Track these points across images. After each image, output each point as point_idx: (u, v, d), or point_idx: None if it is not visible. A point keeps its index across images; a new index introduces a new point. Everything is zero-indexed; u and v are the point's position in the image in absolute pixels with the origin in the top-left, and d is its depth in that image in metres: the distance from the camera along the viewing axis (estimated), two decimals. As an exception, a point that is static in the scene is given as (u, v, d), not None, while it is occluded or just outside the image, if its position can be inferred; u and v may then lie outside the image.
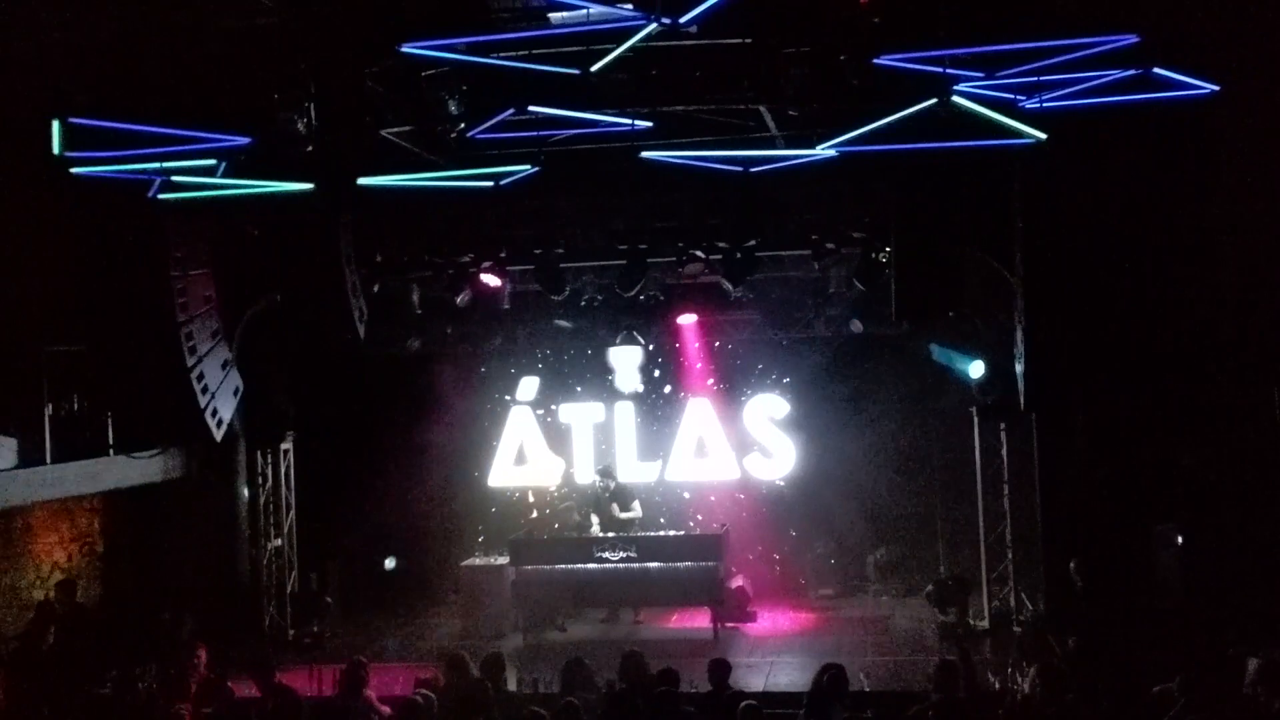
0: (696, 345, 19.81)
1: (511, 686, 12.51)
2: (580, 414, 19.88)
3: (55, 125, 11.87)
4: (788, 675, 14.72)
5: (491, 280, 17.74)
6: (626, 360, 19.65)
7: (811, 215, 16.92)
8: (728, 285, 17.49)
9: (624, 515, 17.77)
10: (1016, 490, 17.03)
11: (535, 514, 19.90)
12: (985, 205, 15.12)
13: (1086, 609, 14.63)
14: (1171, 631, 13.23)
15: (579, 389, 20.09)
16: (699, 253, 17.27)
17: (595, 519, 17.82)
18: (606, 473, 18.29)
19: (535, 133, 12.22)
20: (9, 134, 13.01)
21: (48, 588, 16.11)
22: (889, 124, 11.50)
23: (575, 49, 10.83)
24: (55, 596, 15.26)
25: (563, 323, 19.20)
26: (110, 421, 16.08)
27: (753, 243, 16.96)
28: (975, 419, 17.25)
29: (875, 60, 10.72)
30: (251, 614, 17.68)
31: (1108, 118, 11.73)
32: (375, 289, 17.55)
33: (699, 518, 19.53)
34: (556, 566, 17.24)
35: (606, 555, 17.06)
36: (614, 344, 19.36)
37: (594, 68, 10.65)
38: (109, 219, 14.61)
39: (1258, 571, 14.15)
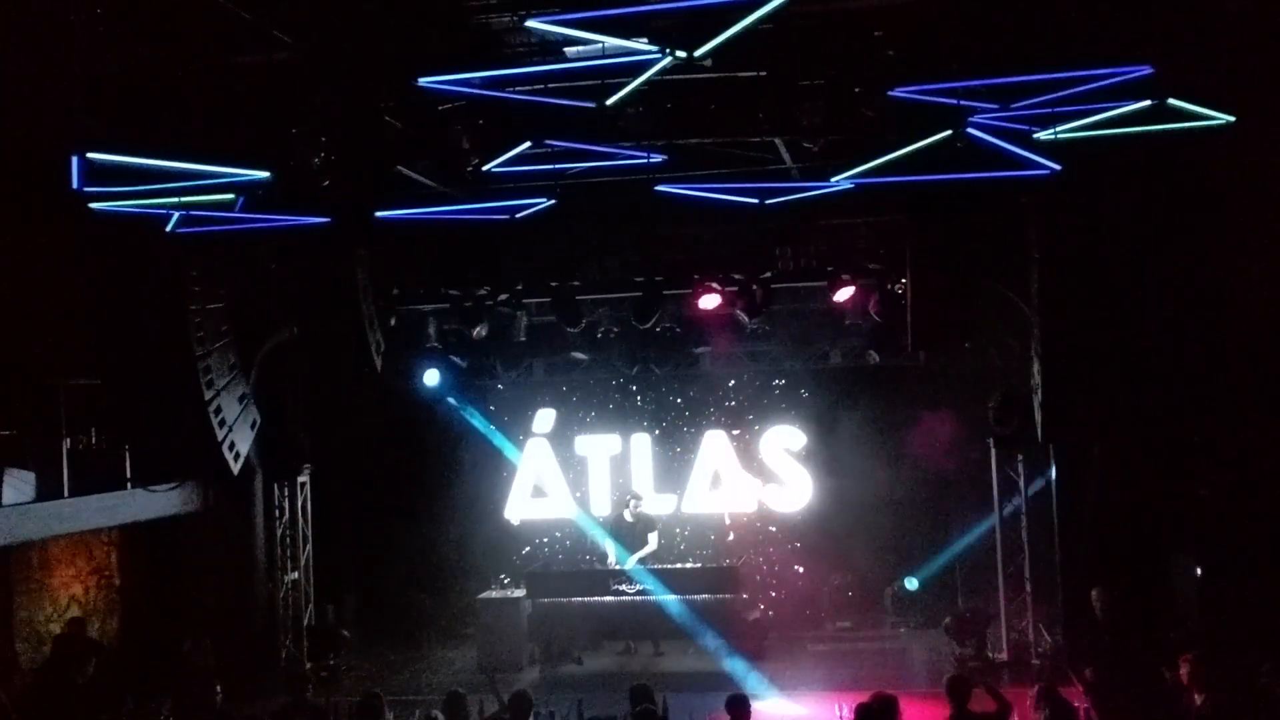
0: (712, 377, 19.84)
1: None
2: (597, 446, 19.91)
3: (74, 160, 11.94)
4: (806, 708, 14.68)
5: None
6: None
7: (827, 247, 16.96)
8: (744, 317, 17.51)
9: (639, 554, 17.76)
10: (1034, 521, 16.98)
11: (554, 545, 19.94)
12: (1001, 236, 15.12)
13: (1105, 640, 14.57)
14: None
15: (595, 421, 20.12)
16: (715, 285, 17.30)
17: (610, 550, 17.84)
18: (635, 495, 18.36)
19: (551, 166, 12.27)
20: (28, 169, 13.07)
21: (64, 621, 16.09)
22: (904, 155, 11.51)
23: (591, 83, 10.88)
24: (69, 632, 15.24)
25: (579, 355, 19.23)
26: (128, 455, 16.12)
27: (768, 274, 17.00)
28: (993, 450, 17.22)
29: (890, 92, 10.76)
30: (268, 647, 17.68)
31: (1123, 148, 11.73)
32: (392, 322, 17.60)
33: (715, 550, 19.51)
34: (573, 599, 17.26)
35: (623, 588, 17.07)
36: (630, 374, 19.46)
37: (610, 101, 10.68)
38: (127, 254, 14.66)
39: (1276, 601, 14.07)
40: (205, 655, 14.73)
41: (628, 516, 18.21)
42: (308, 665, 17.59)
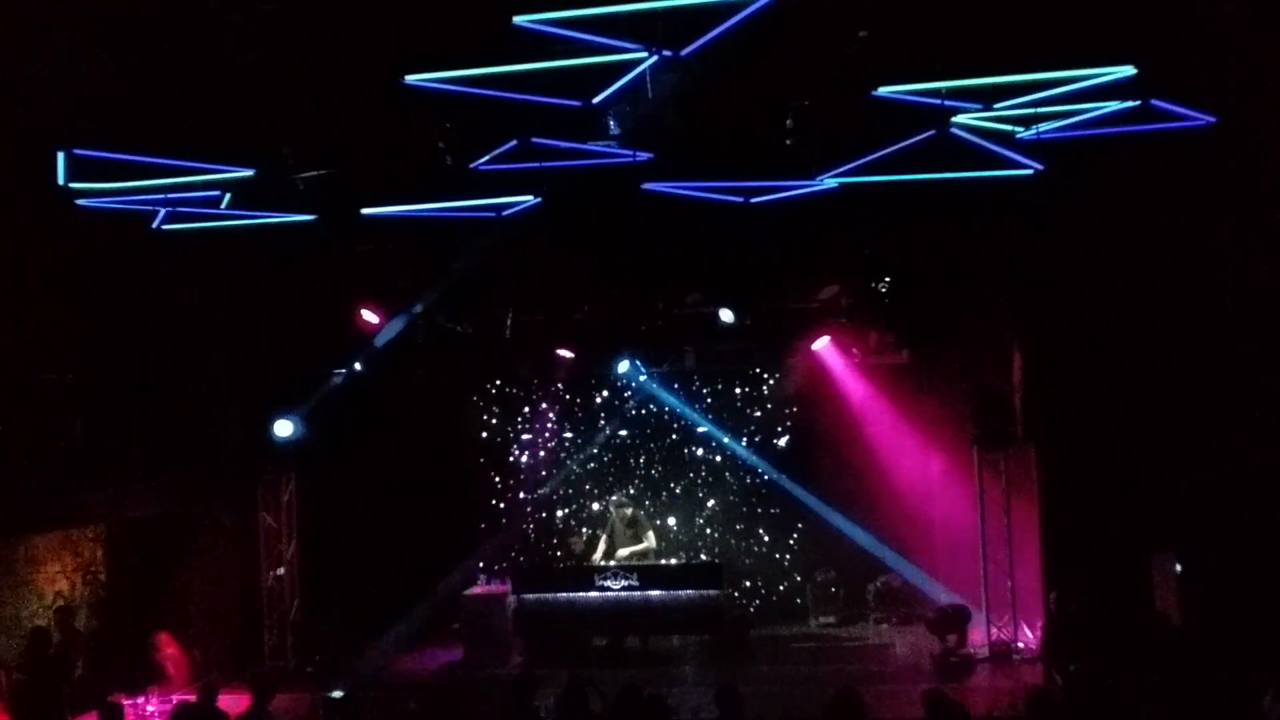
0: (698, 374, 19.90)
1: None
2: (585, 443, 19.97)
3: (60, 156, 11.95)
4: (790, 704, 14.71)
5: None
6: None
7: (811, 245, 16.98)
8: (729, 314, 17.56)
9: (630, 549, 17.85)
10: (1017, 517, 17.03)
11: (541, 542, 20.00)
12: (984, 235, 15.19)
13: (1081, 638, 14.63)
14: (1172, 660, 13.21)
15: (582, 416, 20.17)
16: (700, 282, 17.35)
17: (602, 547, 17.94)
18: (620, 504, 18.42)
19: (538, 163, 12.30)
20: (15, 165, 13.07)
21: (51, 612, 16.08)
22: (888, 155, 11.59)
23: (578, 81, 10.91)
24: (53, 621, 15.25)
25: (565, 352, 19.25)
26: (114, 451, 16.10)
27: (753, 273, 17.03)
28: (975, 447, 17.27)
29: (874, 92, 10.81)
30: (253, 643, 17.69)
31: (1106, 148, 11.81)
32: (379, 319, 17.59)
33: (701, 546, 19.60)
34: (559, 595, 17.33)
35: (608, 583, 17.15)
36: (617, 370, 19.47)
37: (596, 99, 10.73)
38: (114, 249, 14.66)
39: (1258, 599, 14.14)
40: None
41: (613, 515, 18.28)
42: (293, 661, 17.64)
